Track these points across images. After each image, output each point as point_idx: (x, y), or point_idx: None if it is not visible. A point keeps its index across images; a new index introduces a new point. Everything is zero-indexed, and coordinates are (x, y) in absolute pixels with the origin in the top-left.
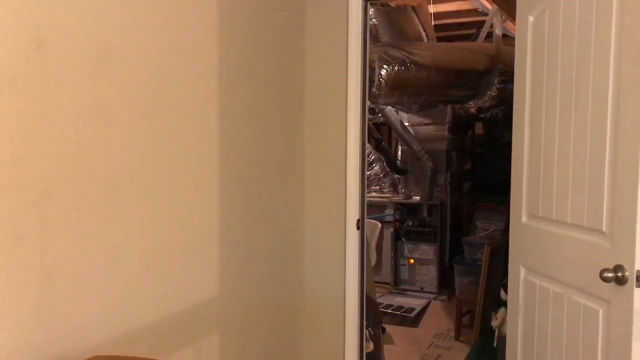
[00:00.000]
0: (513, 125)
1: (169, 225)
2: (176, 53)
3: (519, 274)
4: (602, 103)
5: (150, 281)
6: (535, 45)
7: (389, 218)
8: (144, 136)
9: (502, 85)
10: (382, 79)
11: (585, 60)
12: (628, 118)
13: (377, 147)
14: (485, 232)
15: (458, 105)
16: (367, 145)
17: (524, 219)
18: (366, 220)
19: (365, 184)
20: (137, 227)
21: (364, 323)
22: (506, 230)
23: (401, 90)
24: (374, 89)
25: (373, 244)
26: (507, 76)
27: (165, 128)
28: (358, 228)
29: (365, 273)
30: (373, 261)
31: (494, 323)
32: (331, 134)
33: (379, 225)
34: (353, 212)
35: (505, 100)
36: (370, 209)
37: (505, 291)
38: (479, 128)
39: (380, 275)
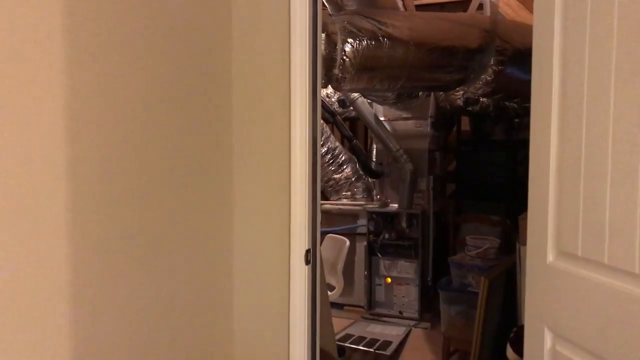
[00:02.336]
0: (531, 120)
1: None
2: None
3: (542, 338)
4: None
5: None
6: None
7: (362, 229)
8: None
9: (499, 68)
10: (347, 56)
11: None
12: None
13: (349, 147)
14: (477, 251)
15: (442, 95)
16: (337, 144)
17: (550, 257)
18: (330, 237)
19: (318, 200)
20: None
21: None
22: (503, 249)
23: (371, 72)
24: (335, 71)
25: (339, 266)
26: (506, 56)
27: None
28: (308, 262)
29: (318, 321)
30: (339, 290)
31: None
32: (270, 131)
33: (347, 243)
34: (300, 240)
35: (503, 86)
36: (339, 218)
37: (515, 350)
38: (464, 124)
39: (352, 297)
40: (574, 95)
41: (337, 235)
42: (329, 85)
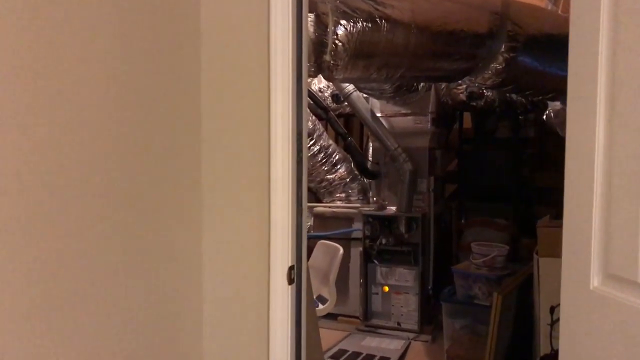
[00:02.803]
0: (569, 112)
1: None
2: None
3: None
4: None
5: None
6: None
7: (357, 234)
8: None
9: (511, 55)
10: (339, 41)
11: None
12: None
13: (344, 145)
14: (484, 259)
15: (444, 89)
16: (330, 142)
17: (595, 282)
18: (323, 243)
19: (304, 206)
20: None
21: None
22: (511, 257)
23: (367, 59)
24: (326, 57)
25: (332, 277)
26: (519, 42)
27: None
28: (291, 281)
29: (304, 350)
30: (331, 303)
31: None
32: (245, 125)
33: (340, 251)
34: (282, 255)
35: (515, 76)
36: (333, 222)
37: None
38: (467, 121)
39: (346, 306)
40: (628, 81)
41: (330, 242)
42: (320, 75)
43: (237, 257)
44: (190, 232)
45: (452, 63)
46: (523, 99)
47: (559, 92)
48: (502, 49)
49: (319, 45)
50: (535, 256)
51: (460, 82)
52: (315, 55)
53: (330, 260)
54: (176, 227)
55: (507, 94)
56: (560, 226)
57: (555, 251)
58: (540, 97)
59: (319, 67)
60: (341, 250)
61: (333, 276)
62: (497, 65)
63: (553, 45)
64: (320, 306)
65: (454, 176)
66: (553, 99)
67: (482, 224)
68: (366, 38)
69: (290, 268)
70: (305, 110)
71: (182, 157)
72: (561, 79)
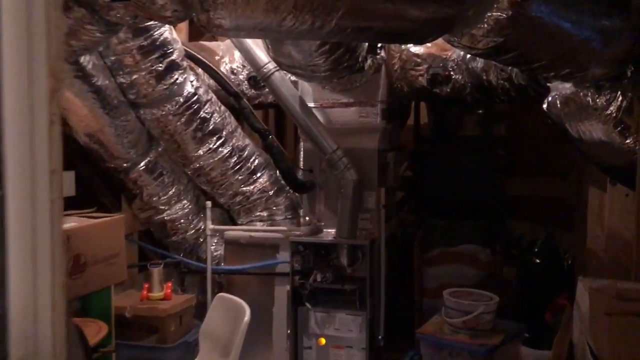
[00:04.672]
0: None
1: None
2: None
3: None
4: None
5: None
6: None
7: (284, 267)
8: None
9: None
10: None
11: None
12: None
13: (263, 146)
14: (465, 318)
15: (398, 70)
16: (247, 142)
17: None
18: (222, 298)
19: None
20: None
21: None
22: (500, 311)
23: None
24: None
25: (234, 350)
26: None
27: None
28: None
29: None
30: None
31: None
32: None
33: (246, 313)
34: None
35: (525, 37)
36: (251, 251)
37: None
38: (423, 113)
39: None
40: None
41: (233, 298)
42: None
43: None
44: None
45: (424, 8)
46: (506, 83)
47: (580, 65)
48: None
49: None
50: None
51: (419, 61)
52: None
53: (233, 325)
54: None
55: (485, 77)
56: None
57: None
58: (553, 74)
59: (184, 3)
60: (247, 313)
61: (236, 349)
62: (499, 14)
63: None
64: None
65: (408, 184)
66: (567, 78)
67: (451, 258)
68: None
69: None
70: None
71: None
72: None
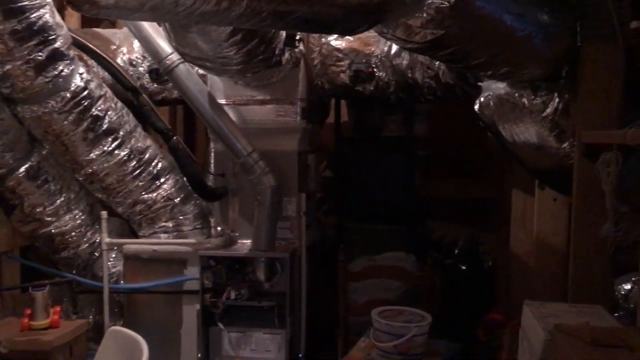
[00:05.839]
0: None
1: None
2: None
3: None
4: None
5: None
6: None
7: (193, 284)
8: None
9: None
10: None
11: None
12: None
13: (168, 148)
14: (396, 342)
15: (318, 66)
16: (149, 144)
17: None
18: (116, 332)
19: None
20: None
21: None
22: (438, 329)
23: None
24: None
25: None
26: None
27: None
28: None
29: None
30: None
31: None
32: None
33: (144, 349)
34: None
35: (465, 31)
36: (156, 267)
37: None
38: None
39: None
40: None
41: (129, 332)
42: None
43: None
44: None
45: None
46: (432, 82)
47: (519, 64)
48: None
49: None
50: None
51: (341, 56)
52: None
53: None
54: None
55: (410, 75)
56: None
57: None
58: (490, 72)
59: None
60: (145, 351)
61: None
62: (440, 2)
63: None
64: None
65: (327, 185)
66: (504, 77)
67: (378, 272)
68: None
69: None
70: None
71: None
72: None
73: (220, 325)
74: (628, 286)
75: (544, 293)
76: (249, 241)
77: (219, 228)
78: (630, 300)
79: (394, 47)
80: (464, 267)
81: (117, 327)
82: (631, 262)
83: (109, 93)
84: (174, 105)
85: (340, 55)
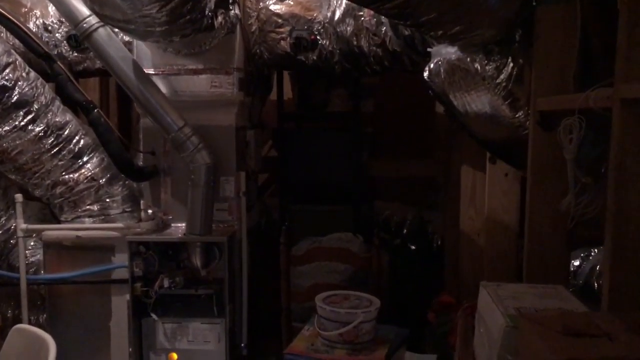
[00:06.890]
0: None
1: None
2: None
3: None
4: None
5: None
6: None
7: (122, 272)
8: None
9: None
10: None
11: None
12: None
13: (88, 121)
14: (341, 330)
15: (256, 32)
16: (69, 118)
17: None
18: (19, 332)
19: None
20: None
21: None
22: (389, 314)
23: None
24: None
25: None
26: None
27: None
28: None
29: None
30: None
31: None
32: None
33: (51, 347)
34: None
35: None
36: (80, 255)
37: None
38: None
39: None
40: None
41: (34, 330)
42: None
43: None
44: None
45: None
46: (379, 50)
47: (471, 24)
48: None
49: None
50: None
51: (281, 22)
52: None
53: None
54: None
55: (355, 43)
56: None
57: None
58: (440, 32)
59: None
60: (53, 349)
61: None
62: None
63: None
64: None
65: (272, 166)
66: (455, 38)
67: (323, 254)
68: None
69: None
70: None
71: None
72: None
73: (154, 316)
74: (577, 262)
75: (495, 272)
76: (183, 225)
77: (149, 211)
78: (579, 277)
79: (338, 13)
80: (413, 247)
81: (22, 325)
82: (587, 237)
83: (20, 61)
84: (105, 76)
85: (280, 20)
